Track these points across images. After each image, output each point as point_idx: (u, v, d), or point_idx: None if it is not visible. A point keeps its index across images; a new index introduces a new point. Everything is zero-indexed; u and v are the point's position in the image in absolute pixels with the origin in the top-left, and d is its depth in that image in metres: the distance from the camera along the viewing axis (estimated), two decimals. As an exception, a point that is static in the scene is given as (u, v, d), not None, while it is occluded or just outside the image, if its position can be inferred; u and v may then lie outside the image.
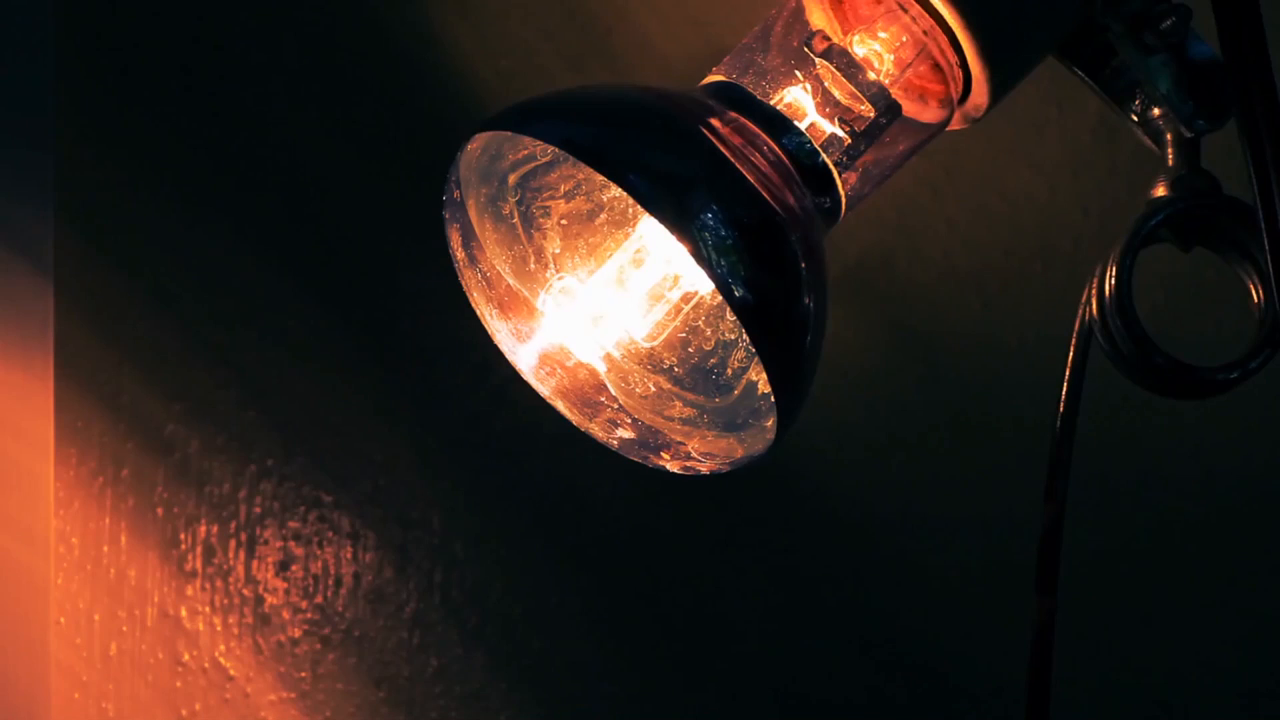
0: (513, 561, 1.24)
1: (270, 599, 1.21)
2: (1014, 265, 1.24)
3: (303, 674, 1.22)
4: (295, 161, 1.22)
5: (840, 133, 0.83)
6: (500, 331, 0.87)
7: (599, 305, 0.85)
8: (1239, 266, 0.90)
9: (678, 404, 0.85)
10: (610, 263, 0.85)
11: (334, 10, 1.22)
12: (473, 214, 0.85)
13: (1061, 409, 0.92)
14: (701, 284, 0.84)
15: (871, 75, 0.83)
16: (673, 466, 0.86)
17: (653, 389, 0.86)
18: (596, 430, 0.87)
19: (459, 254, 0.86)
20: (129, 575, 1.20)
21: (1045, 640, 0.93)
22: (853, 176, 0.84)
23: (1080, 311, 0.91)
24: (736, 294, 0.77)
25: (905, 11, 0.83)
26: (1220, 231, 0.89)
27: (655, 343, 0.85)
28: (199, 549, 1.20)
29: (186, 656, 1.20)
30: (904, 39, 0.84)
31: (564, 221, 0.85)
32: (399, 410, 1.23)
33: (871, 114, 0.83)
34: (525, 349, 0.87)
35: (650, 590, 1.26)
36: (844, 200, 0.84)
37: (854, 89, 0.83)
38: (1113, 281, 0.89)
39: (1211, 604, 1.27)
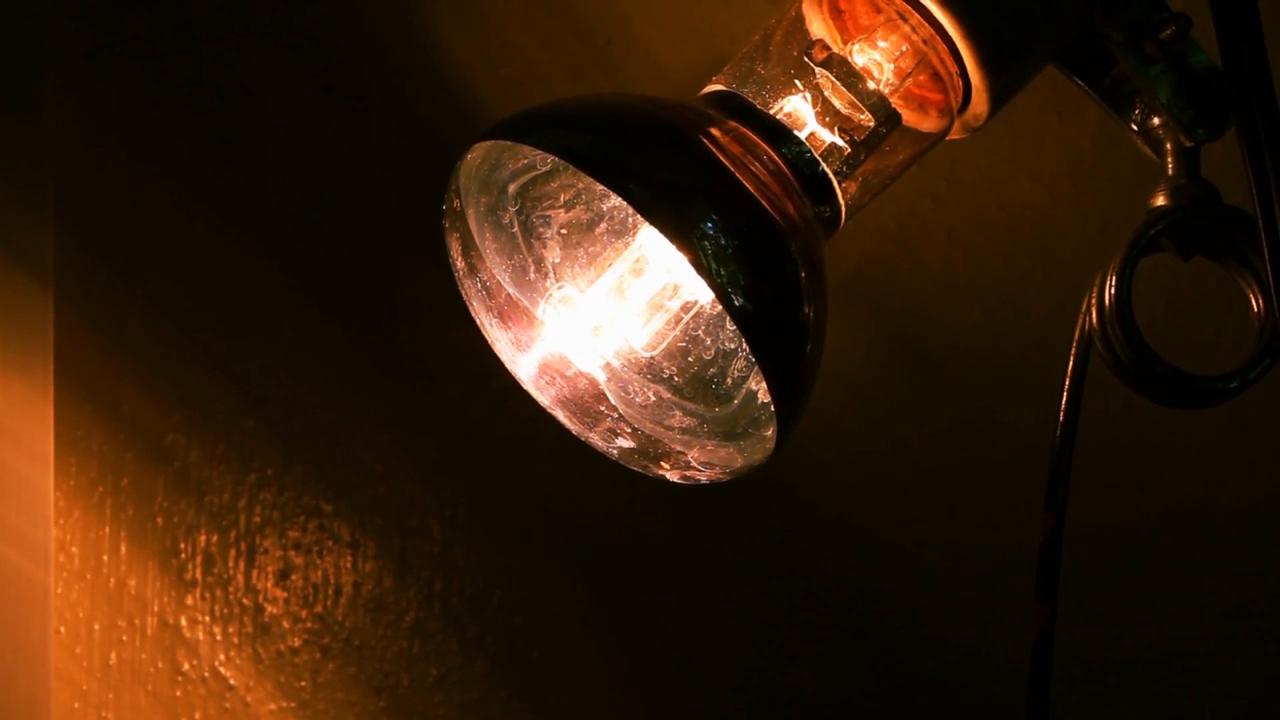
0: (512, 570, 1.24)
1: (270, 608, 1.21)
2: (1014, 274, 1.24)
3: (303, 683, 1.21)
4: (295, 171, 1.22)
5: (840, 142, 0.83)
6: (500, 341, 0.87)
7: (599, 314, 0.85)
8: (1239, 275, 0.90)
9: (677, 413, 0.85)
10: (610, 272, 0.84)
11: (335, 20, 1.22)
12: (473, 223, 0.85)
13: (1061, 417, 0.92)
14: (701, 293, 0.84)
15: (871, 84, 0.83)
16: (673, 476, 0.86)
17: (652, 398, 0.85)
18: (596, 440, 0.87)
19: (459, 263, 0.86)
20: (129, 584, 1.20)
21: (1045, 648, 0.93)
22: (852, 185, 0.84)
23: (1080, 320, 0.91)
24: (736, 303, 0.76)
25: (905, 21, 0.83)
26: (1220, 240, 0.89)
27: (655, 352, 0.85)
28: (199, 558, 1.20)
29: (186, 666, 1.20)
30: (904, 48, 0.84)
31: (564, 231, 0.85)
32: (399, 419, 1.23)
33: (871, 123, 0.83)
34: (525, 358, 0.87)
35: (649, 599, 1.26)
36: (844, 209, 0.84)
37: (854, 98, 0.83)
38: (1112, 290, 0.89)
39: (1212, 609, 1.27)
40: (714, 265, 0.76)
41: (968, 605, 1.26)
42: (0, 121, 1.16)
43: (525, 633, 1.24)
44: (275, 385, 1.22)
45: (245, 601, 1.21)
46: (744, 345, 0.81)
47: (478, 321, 0.87)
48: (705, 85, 0.85)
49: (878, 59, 0.84)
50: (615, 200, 0.83)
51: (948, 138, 0.86)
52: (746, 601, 1.26)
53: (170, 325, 1.21)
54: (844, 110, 0.83)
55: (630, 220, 0.84)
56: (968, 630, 1.26)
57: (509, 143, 0.81)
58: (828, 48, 0.83)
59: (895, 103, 0.84)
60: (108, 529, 1.19)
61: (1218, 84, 0.87)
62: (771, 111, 0.83)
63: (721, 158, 0.79)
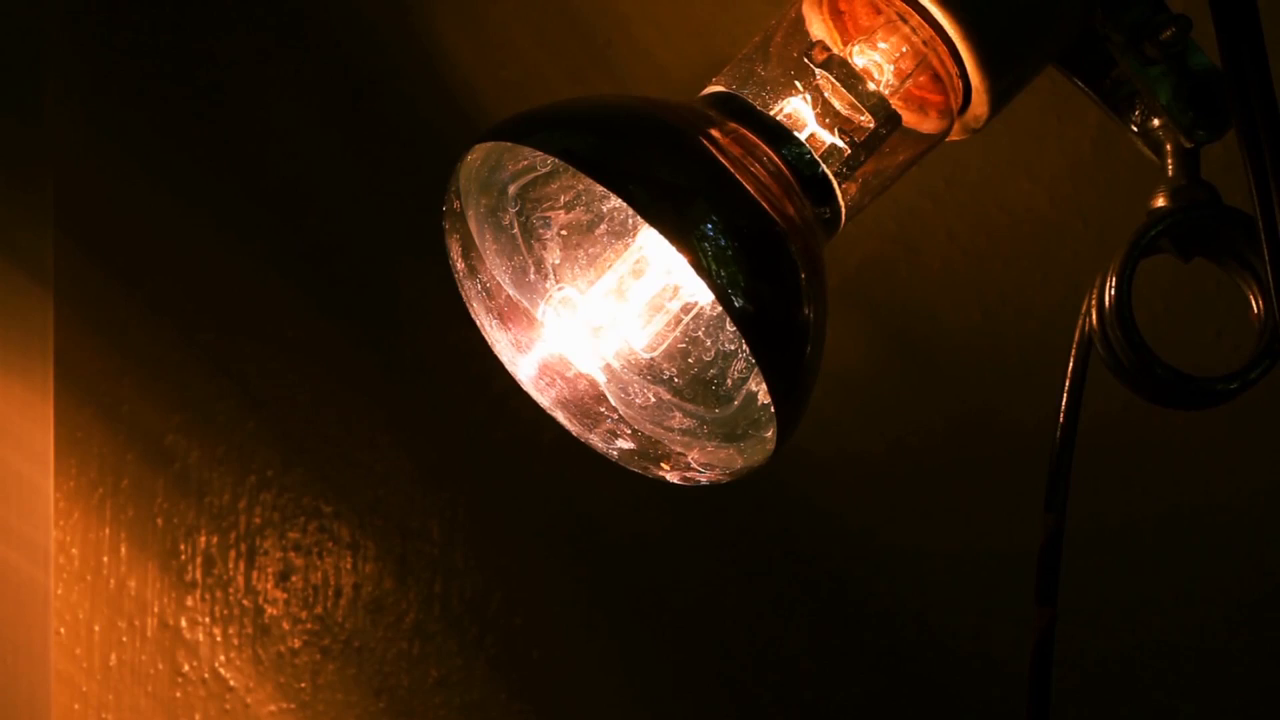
0: (512, 572, 1.24)
1: (270, 609, 1.21)
2: (1014, 275, 1.24)
3: (303, 684, 1.21)
4: (296, 172, 1.22)
5: (840, 143, 0.83)
6: (500, 342, 0.87)
7: (599, 316, 0.85)
8: (1238, 277, 0.90)
9: (677, 415, 0.85)
10: (610, 273, 0.84)
11: (336, 21, 1.22)
12: (473, 225, 0.85)
13: (1061, 419, 0.92)
14: (701, 294, 0.84)
15: (871, 86, 0.83)
16: (672, 477, 0.86)
17: (652, 400, 0.85)
18: (596, 441, 0.87)
19: (459, 265, 0.86)
20: (129, 586, 1.20)
21: (1046, 649, 0.93)
22: (852, 187, 0.84)
23: (1080, 322, 0.91)
24: (736, 304, 0.76)
25: (905, 22, 0.83)
26: (1220, 242, 0.89)
27: (655, 353, 0.85)
28: (199, 559, 1.20)
29: (186, 667, 1.20)
30: (904, 49, 0.84)
31: (564, 232, 0.85)
32: (399, 420, 1.23)
33: (871, 124, 0.83)
34: (525, 360, 0.87)
35: (649, 600, 1.26)
36: (843, 210, 0.84)
37: (854, 99, 0.83)
38: (1112, 292, 0.89)
39: (1212, 609, 1.27)
40: (714, 266, 0.76)
41: (968, 605, 1.26)
42: (0, 121, 1.16)
43: (525, 634, 1.24)
44: (275, 386, 1.22)
45: (245, 603, 1.21)
46: (744, 347, 0.81)
47: (478, 323, 0.87)
48: (705, 86, 0.85)
49: (878, 60, 0.84)
50: (615, 202, 0.83)
51: (948, 139, 0.86)
52: (746, 601, 1.26)
53: (170, 326, 1.21)
54: (844, 111, 0.83)
55: (630, 222, 0.84)
56: (968, 630, 1.26)
57: (509, 144, 0.81)
58: (828, 49, 0.84)
59: (895, 104, 0.84)
60: (108, 530, 1.19)
61: (1218, 85, 0.87)
62: (771, 113, 0.83)
63: (721, 159, 0.79)
